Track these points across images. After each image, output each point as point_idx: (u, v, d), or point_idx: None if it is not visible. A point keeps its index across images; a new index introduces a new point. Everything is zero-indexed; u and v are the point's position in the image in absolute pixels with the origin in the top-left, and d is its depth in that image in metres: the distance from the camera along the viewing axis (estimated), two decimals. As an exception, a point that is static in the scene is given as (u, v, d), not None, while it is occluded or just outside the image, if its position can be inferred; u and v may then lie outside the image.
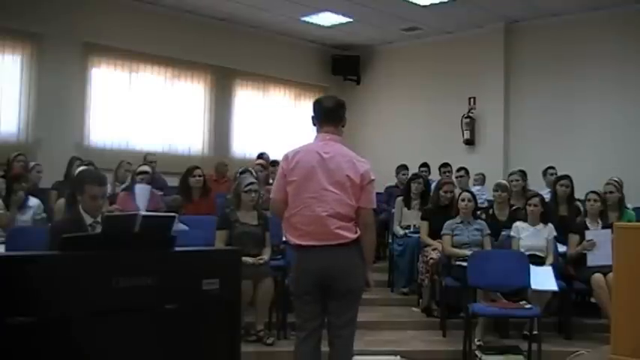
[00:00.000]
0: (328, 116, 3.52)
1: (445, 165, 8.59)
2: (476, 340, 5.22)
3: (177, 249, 2.67)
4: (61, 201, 5.68)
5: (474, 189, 7.86)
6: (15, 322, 2.11)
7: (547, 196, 6.48)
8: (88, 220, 3.75)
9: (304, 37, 10.85)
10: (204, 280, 2.61)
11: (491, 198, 6.80)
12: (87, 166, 6.29)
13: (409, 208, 6.83)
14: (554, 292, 5.35)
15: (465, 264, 5.38)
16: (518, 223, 5.83)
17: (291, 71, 10.87)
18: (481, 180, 8.69)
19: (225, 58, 9.95)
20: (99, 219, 3.69)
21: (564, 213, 6.35)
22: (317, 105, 3.57)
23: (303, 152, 3.46)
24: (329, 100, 3.65)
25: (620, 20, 8.73)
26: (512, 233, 5.79)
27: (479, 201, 6.71)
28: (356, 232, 3.42)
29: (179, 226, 5.64)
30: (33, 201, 5.84)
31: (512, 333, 5.58)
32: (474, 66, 9.99)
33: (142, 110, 9.14)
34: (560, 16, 9.20)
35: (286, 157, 3.50)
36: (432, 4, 8.90)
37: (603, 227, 5.63)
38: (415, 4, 8.89)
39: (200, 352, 2.62)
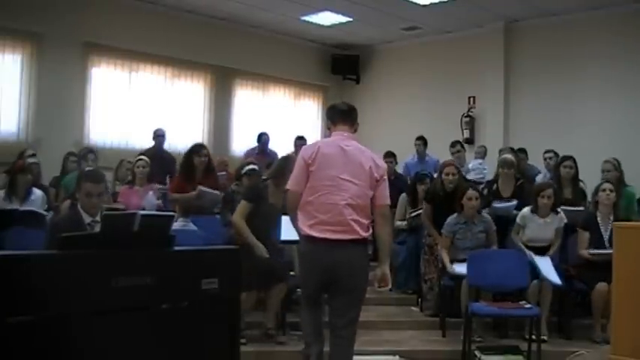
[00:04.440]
0: (343, 117, 3.74)
1: (454, 144, 8.13)
2: (476, 340, 5.21)
3: (176, 248, 2.68)
4: (67, 202, 5.66)
5: (475, 162, 7.75)
6: (14, 321, 2.11)
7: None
8: (87, 218, 3.76)
9: (304, 37, 10.84)
10: (204, 279, 2.61)
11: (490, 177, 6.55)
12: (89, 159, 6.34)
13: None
14: (553, 292, 5.34)
15: (463, 272, 5.25)
16: (526, 213, 5.61)
17: (290, 71, 10.86)
18: (482, 153, 8.51)
19: (225, 58, 9.94)
20: (97, 218, 3.70)
21: (569, 196, 6.04)
22: (332, 109, 3.84)
23: (323, 144, 3.64)
24: (342, 104, 3.92)
25: (620, 20, 8.72)
26: (517, 221, 5.63)
27: (479, 176, 6.55)
28: (368, 231, 3.52)
29: (189, 226, 5.63)
30: (37, 193, 5.79)
31: (512, 333, 5.57)
32: (474, 65, 9.98)
33: (141, 110, 9.13)
34: (560, 15, 9.19)
35: (306, 150, 3.63)
36: (431, 4, 8.89)
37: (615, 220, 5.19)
38: (415, 3, 8.88)
39: (199, 352, 2.62)
